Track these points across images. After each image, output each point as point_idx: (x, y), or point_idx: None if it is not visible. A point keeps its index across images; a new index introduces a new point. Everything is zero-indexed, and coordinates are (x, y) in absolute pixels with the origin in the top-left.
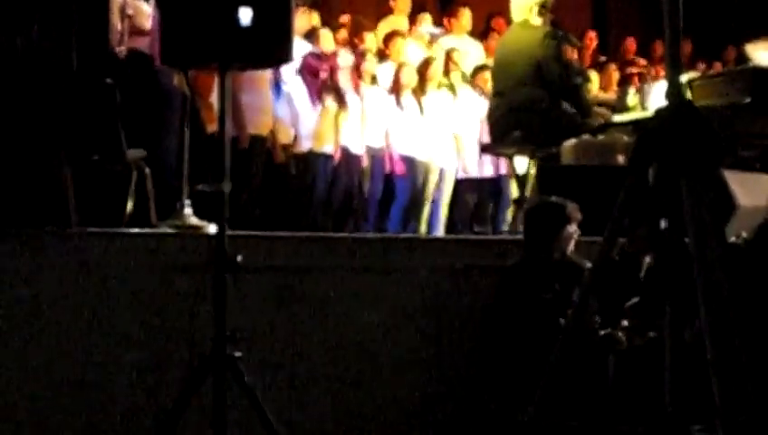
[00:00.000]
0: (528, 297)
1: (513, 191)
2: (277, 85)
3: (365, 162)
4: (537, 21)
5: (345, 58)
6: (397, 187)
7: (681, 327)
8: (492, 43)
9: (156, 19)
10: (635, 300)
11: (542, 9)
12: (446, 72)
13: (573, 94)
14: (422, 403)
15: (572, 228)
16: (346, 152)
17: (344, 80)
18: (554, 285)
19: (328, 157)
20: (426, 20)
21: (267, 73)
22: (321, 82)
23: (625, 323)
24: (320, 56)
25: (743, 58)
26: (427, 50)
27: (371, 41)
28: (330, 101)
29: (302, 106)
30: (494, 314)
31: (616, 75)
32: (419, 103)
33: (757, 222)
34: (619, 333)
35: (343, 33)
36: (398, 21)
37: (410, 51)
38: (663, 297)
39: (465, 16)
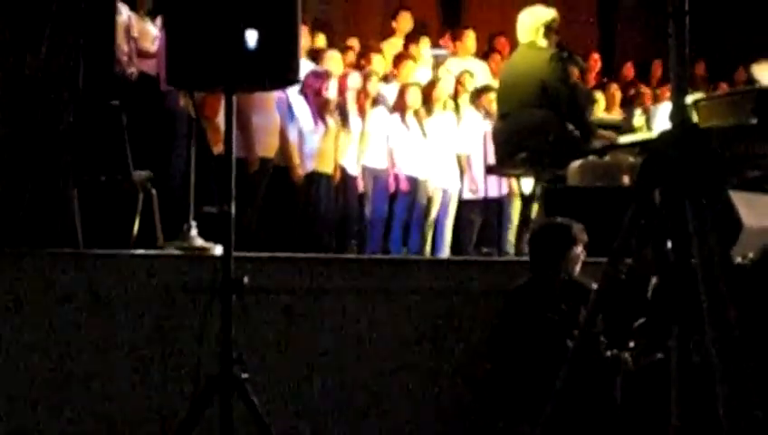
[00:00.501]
0: (535, 318)
1: (519, 212)
2: (289, 108)
3: (361, 184)
4: (543, 42)
5: (354, 80)
6: (396, 205)
7: (688, 348)
8: (494, 63)
9: (162, 41)
10: (642, 321)
11: (549, 30)
12: (455, 95)
13: (579, 116)
14: (429, 424)
15: (579, 250)
16: (344, 173)
17: (350, 101)
18: (561, 306)
19: (330, 177)
20: (424, 42)
21: (275, 94)
22: (323, 101)
23: (632, 343)
24: (320, 75)
25: (752, 79)
26: (433, 71)
27: (379, 62)
28: (332, 122)
29: (306, 126)
30: (501, 335)
31: (618, 96)
32: (421, 125)
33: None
34: (626, 354)
35: (351, 56)
36: (399, 42)
37: (416, 73)
38: (670, 318)
39: (470, 38)
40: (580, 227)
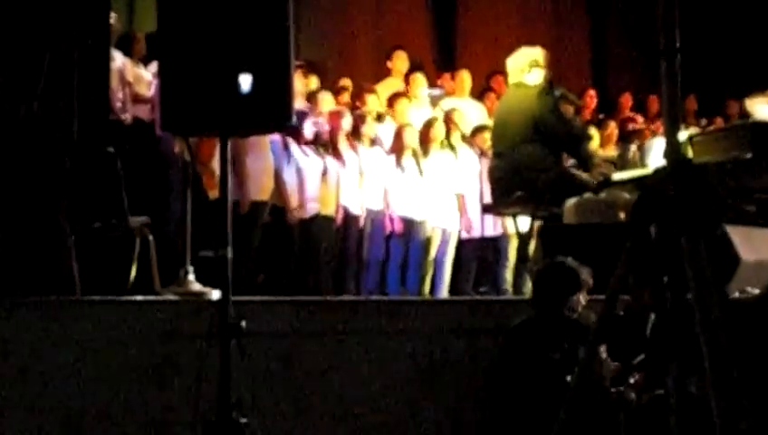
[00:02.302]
0: (536, 356)
1: (516, 250)
2: (286, 149)
3: (362, 223)
4: (531, 79)
5: (346, 120)
6: (391, 246)
7: (686, 383)
8: (490, 102)
9: (156, 86)
10: (641, 357)
11: (535, 67)
12: (447, 133)
13: (575, 147)
14: None
15: (582, 296)
16: (347, 213)
17: (343, 141)
18: (562, 344)
19: (331, 220)
20: (419, 81)
21: (269, 136)
22: (312, 139)
23: (632, 380)
24: (305, 113)
25: (745, 112)
26: (428, 111)
27: (373, 102)
28: (331, 164)
29: (307, 167)
30: (501, 372)
31: (615, 133)
32: (419, 165)
33: (761, 276)
34: (630, 391)
35: (345, 97)
36: (395, 83)
37: (412, 113)
38: (667, 354)
39: (466, 78)
40: (588, 271)
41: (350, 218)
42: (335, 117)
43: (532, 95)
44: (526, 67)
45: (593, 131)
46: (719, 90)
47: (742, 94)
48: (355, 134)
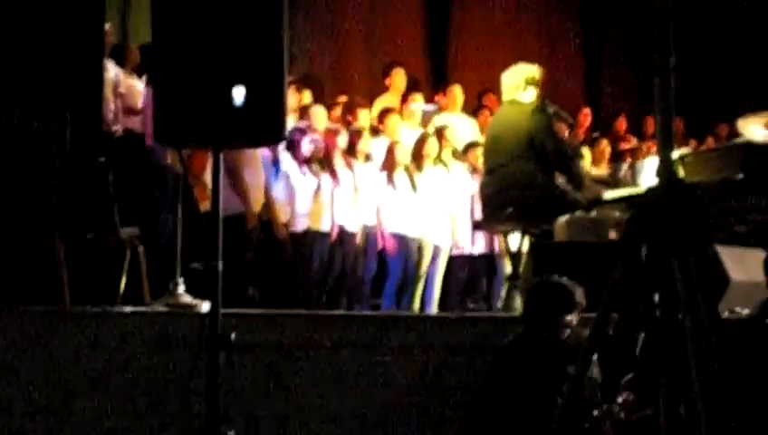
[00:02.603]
0: (525, 374)
1: (507, 268)
2: (275, 164)
3: (358, 240)
4: (525, 97)
5: (341, 138)
6: (389, 264)
7: (676, 402)
8: (483, 119)
9: (148, 97)
10: (630, 376)
11: (530, 85)
12: (439, 149)
13: (567, 166)
14: None
15: (575, 316)
16: (341, 230)
17: (338, 157)
18: (552, 363)
19: (324, 235)
20: (417, 99)
21: (261, 150)
22: (309, 156)
23: (621, 398)
24: (303, 130)
25: (734, 134)
26: (420, 128)
27: (365, 117)
28: (326, 180)
29: (298, 184)
30: (490, 391)
31: (607, 151)
32: (412, 181)
33: (751, 296)
34: (617, 409)
35: (337, 112)
36: (392, 99)
37: (403, 129)
38: (657, 373)
39: (458, 93)
40: (582, 292)
41: (344, 235)
42: (331, 134)
43: (526, 112)
44: (522, 84)
45: (585, 150)
46: (706, 112)
47: (730, 116)
48: (350, 150)
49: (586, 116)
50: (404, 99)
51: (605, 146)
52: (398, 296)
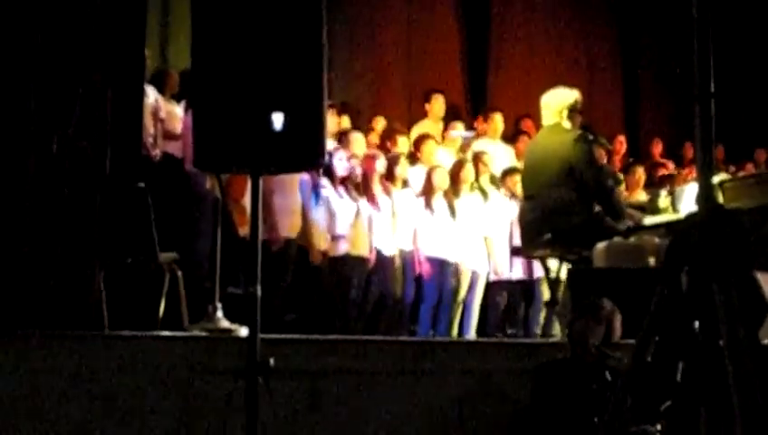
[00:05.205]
0: (566, 395)
1: (546, 294)
2: (315, 189)
3: (396, 265)
4: (567, 124)
5: (380, 163)
6: (425, 288)
7: (717, 431)
8: (521, 145)
9: (187, 123)
10: (669, 403)
11: (572, 112)
12: (476, 175)
13: (607, 197)
14: None
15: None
16: (379, 255)
17: (376, 182)
18: (592, 385)
19: (363, 260)
20: (458, 127)
21: (297, 175)
22: (345, 175)
23: (659, 426)
24: (338, 156)
25: None
26: (459, 154)
27: (403, 144)
28: (364, 205)
29: (338, 208)
30: (531, 409)
31: (642, 178)
32: (451, 206)
33: None
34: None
35: (375, 138)
36: (431, 126)
37: (441, 155)
38: (698, 400)
39: (498, 121)
40: (611, 307)
41: (382, 259)
42: (369, 160)
43: (568, 141)
44: (564, 110)
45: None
46: (745, 138)
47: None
48: (388, 176)
49: (621, 144)
50: (445, 126)
51: (641, 173)
52: (434, 321)
